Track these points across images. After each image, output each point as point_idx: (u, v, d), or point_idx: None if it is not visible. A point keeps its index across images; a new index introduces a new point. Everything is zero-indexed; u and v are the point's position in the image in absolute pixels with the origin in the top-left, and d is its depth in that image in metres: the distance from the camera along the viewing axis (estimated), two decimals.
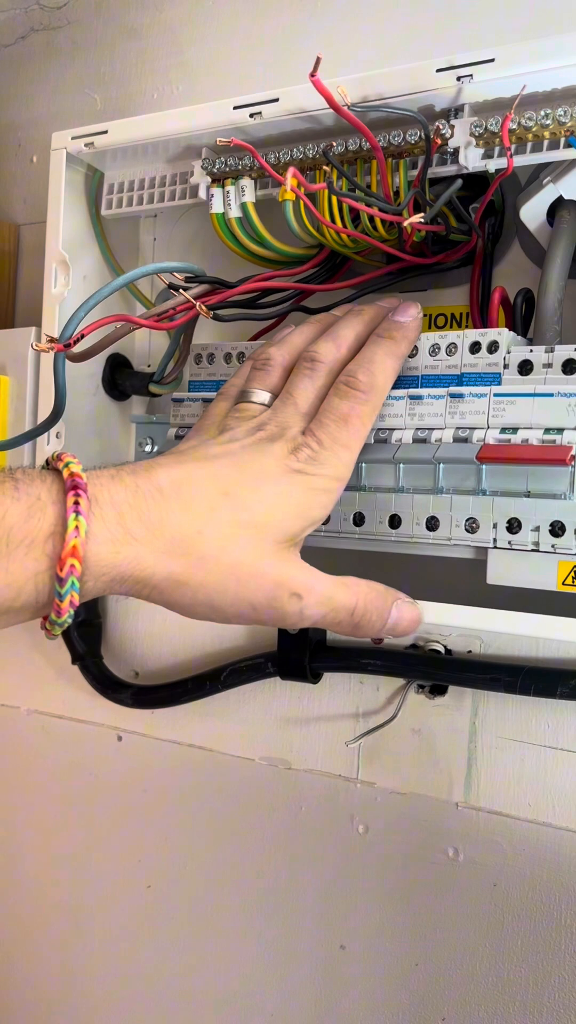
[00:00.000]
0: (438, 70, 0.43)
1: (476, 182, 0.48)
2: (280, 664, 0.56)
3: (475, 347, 0.45)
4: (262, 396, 0.45)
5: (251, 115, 0.48)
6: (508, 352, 0.44)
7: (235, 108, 0.49)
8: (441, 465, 0.44)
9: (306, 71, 0.40)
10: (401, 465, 0.46)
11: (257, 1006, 0.61)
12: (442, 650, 0.53)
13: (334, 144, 0.47)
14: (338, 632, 0.43)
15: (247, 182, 0.50)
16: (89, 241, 0.58)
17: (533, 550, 0.43)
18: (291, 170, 0.43)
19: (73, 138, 0.55)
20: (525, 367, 0.43)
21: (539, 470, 0.42)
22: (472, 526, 0.44)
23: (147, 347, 0.63)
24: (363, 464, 0.47)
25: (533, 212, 0.46)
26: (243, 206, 0.50)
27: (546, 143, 0.42)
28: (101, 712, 0.67)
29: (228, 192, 0.50)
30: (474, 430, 0.43)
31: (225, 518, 0.39)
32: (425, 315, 0.53)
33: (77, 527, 0.34)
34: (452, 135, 0.43)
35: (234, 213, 0.50)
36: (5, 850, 0.73)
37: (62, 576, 0.35)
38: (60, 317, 0.55)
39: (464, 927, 0.53)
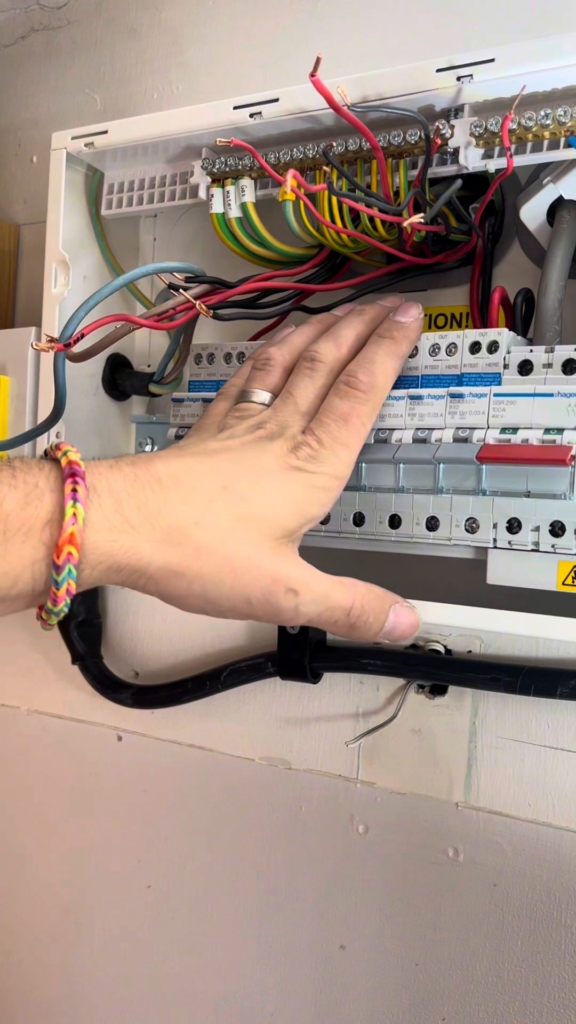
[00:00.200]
0: (438, 70, 0.43)
1: (476, 182, 0.48)
2: (280, 664, 0.56)
3: (475, 347, 0.45)
4: (262, 396, 0.45)
5: (251, 115, 0.48)
6: (508, 352, 0.44)
7: (235, 108, 0.49)
8: (441, 465, 0.44)
9: (306, 71, 0.40)
10: (401, 465, 0.46)
11: (257, 1006, 0.61)
12: (442, 650, 0.53)
13: (334, 144, 0.47)
14: (334, 632, 0.43)
15: (247, 182, 0.50)
16: (89, 241, 0.58)
17: (533, 550, 0.43)
18: (291, 170, 0.43)
19: (73, 138, 0.55)
20: (525, 367, 0.43)
21: (539, 470, 0.42)
22: (472, 526, 0.44)
23: (147, 347, 0.63)
24: (363, 464, 0.47)
25: (533, 212, 0.46)
26: (243, 206, 0.50)
27: (546, 143, 0.42)
28: (101, 712, 0.67)
29: (228, 192, 0.50)
30: (474, 430, 0.43)
31: (223, 511, 0.38)
32: (425, 315, 0.53)
33: (75, 514, 0.34)
34: (452, 135, 0.43)
35: (234, 213, 0.50)
36: (5, 850, 0.73)
37: (59, 564, 0.34)
38: (60, 317, 0.55)
39: (464, 927, 0.53)
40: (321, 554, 0.47)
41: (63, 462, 0.36)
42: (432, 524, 0.45)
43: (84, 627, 0.65)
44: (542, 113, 0.41)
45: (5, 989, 0.73)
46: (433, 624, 0.53)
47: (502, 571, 0.44)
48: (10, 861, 0.73)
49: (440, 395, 0.45)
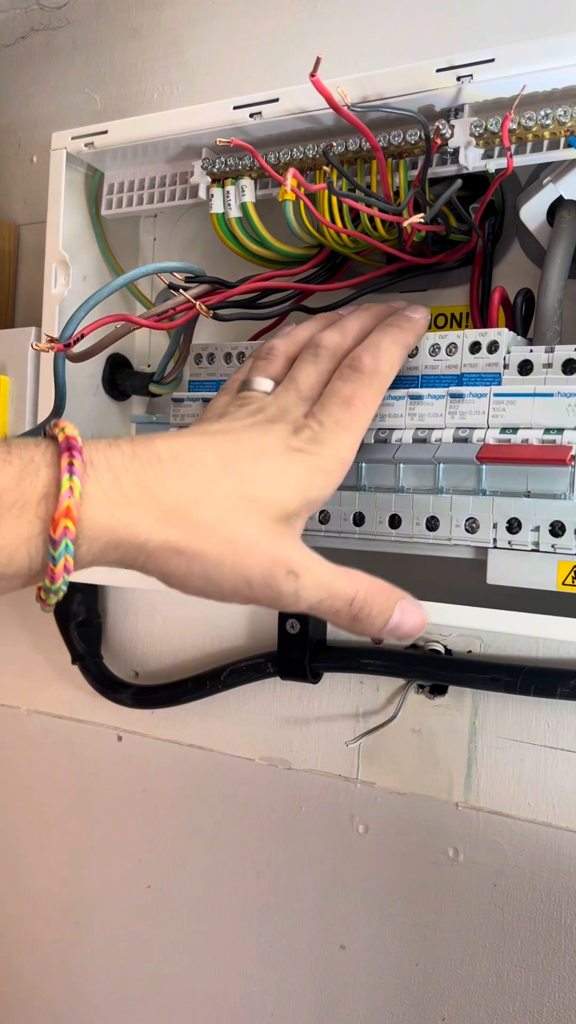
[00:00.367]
0: (438, 70, 0.43)
1: (476, 182, 0.48)
2: (280, 664, 0.56)
3: (475, 347, 0.45)
4: (264, 384, 0.44)
5: (251, 115, 0.48)
6: (508, 352, 0.44)
7: (235, 108, 0.49)
8: (441, 465, 0.44)
9: (306, 71, 0.40)
10: (401, 465, 0.46)
11: (257, 1006, 0.61)
12: (442, 650, 0.53)
13: (334, 144, 0.47)
14: (335, 624, 0.42)
15: (247, 182, 0.50)
16: (89, 241, 0.58)
17: (533, 550, 0.43)
18: (291, 170, 0.43)
19: (73, 138, 0.55)
20: (525, 367, 0.43)
21: (539, 470, 0.42)
22: (472, 526, 0.44)
23: (147, 347, 0.63)
24: (363, 464, 0.47)
25: (533, 212, 0.46)
26: (243, 206, 0.50)
27: (546, 143, 0.42)
28: (101, 712, 0.67)
29: (228, 192, 0.50)
30: (474, 430, 0.43)
31: (223, 490, 0.38)
32: None
33: (71, 488, 0.33)
34: (452, 135, 0.43)
35: (234, 213, 0.50)
36: (5, 850, 0.73)
37: (55, 539, 0.33)
38: (60, 317, 0.55)
39: (464, 927, 0.53)
40: (321, 554, 0.47)
41: (60, 438, 0.35)
42: (432, 524, 0.45)
43: (84, 627, 0.65)
44: (542, 113, 0.41)
45: (5, 989, 0.73)
46: (433, 624, 0.53)
47: (502, 571, 0.44)
48: (10, 861, 0.73)
49: (440, 395, 0.45)
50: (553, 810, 0.51)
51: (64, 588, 0.35)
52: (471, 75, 0.42)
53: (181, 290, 0.47)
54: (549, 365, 0.43)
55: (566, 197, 0.44)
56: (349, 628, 0.41)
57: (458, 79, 0.43)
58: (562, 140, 0.42)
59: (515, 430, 0.42)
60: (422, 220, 0.44)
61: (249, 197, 0.50)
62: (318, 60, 0.40)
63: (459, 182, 0.45)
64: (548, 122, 0.41)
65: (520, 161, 0.43)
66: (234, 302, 0.49)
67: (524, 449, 0.42)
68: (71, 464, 0.34)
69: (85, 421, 0.58)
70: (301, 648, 0.55)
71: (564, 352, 0.42)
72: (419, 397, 0.45)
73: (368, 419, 0.43)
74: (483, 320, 0.50)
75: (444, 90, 0.43)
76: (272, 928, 0.60)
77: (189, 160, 0.52)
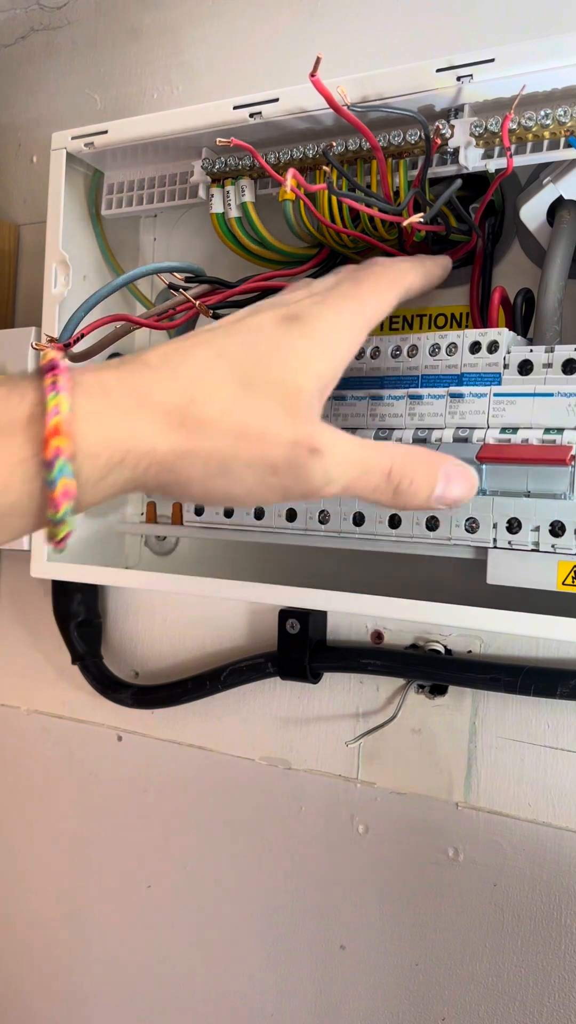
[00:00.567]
0: (438, 70, 0.43)
1: (476, 182, 0.48)
2: (280, 664, 0.56)
3: (475, 347, 0.45)
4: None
5: (251, 115, 0.48)
6: (508, 352, 0.44)
7: (235, 108, 0.49)
8: None
9: (306, 71, 0.40)
10: None
11: (257, 1006, 0.61)
12: (442, 650, 0.53)
13: (334, 144, 0.47)
14: (377, 502, 0.38)
15: (247, 182, 0.50)
16: (89, 241, 0.58)
17: (533, 550, 0.43)
18: (291, 170, 0.43)
19: (73, 138, 0.55)
20: (525, 367, 0.43)
21: (539, 470, 0.42)
22: (472, 526, 0.44)
23: (147, 347, 0.63)
24: None
25: (533, 212, 0.46)
26: (243, 206, 0.50)
27: (546, 143, 0.42)
28: (101, 712, 0.67)
29: (228, 192, 0.50)
30: (474, 430, 0.43)
31: (219, 379, 0.35)
32: (425, 315, 0.53)
33: (57, 405, 0.31)
34: (452, 135, 0.43)
35: (234, 213, 0.50)
36: (5, 850, 0.73)
37: (49, 459, 0.31)
38: (60, 317, 0.55)
39: (464, 927, 0.53)
40: (321, 554, 0.47)
41: (42, 362, 0.33)
42: (432, 524, 0.45)
43: (84, 627, 0.65)
44: (542, 113, 0.41)
45: (5, 989, 0.73)
46: (433, 624, 0.53)
47: (502, 571, 0.44)
48: (10, 861, 0.73)
49: (440, 395, 0.45)
50: (553, 810, 0.51)
51: (68, 516, 0.32)
52: (471, 75, 0.42)
53: (181, 290, 0.47)
54: (549, 365, 0.43)
55: (566, 197, 0.44)
56: (392, 504, 0.38)
57: (458, 79, 0.43)
58: (562, 140, 0.42)
59: (515, 430, 0.42)
60: (422, 220, 0.44)
61: (249, 197, 0.50)
62: (318, 60, 0.40)
63: (459, 182, 0.45)
64: (548, 122, 0.41)
65: (520, 161, 0.43)
66: (234, 302, 0.49)
67: (524, 449, 0.42)
68: (55, 382, 0.32)
69: None
70: (301, 648, 0.56)
71: (564, 352, 0.42)
72: (419, 397, 0.45)
73: (377, 306, 0.40)
74: (483, 320, 0.50)
75: (444, 90, 0.43)
76: (272, 928, 0.60)
77: (189, 160, 0.52)
